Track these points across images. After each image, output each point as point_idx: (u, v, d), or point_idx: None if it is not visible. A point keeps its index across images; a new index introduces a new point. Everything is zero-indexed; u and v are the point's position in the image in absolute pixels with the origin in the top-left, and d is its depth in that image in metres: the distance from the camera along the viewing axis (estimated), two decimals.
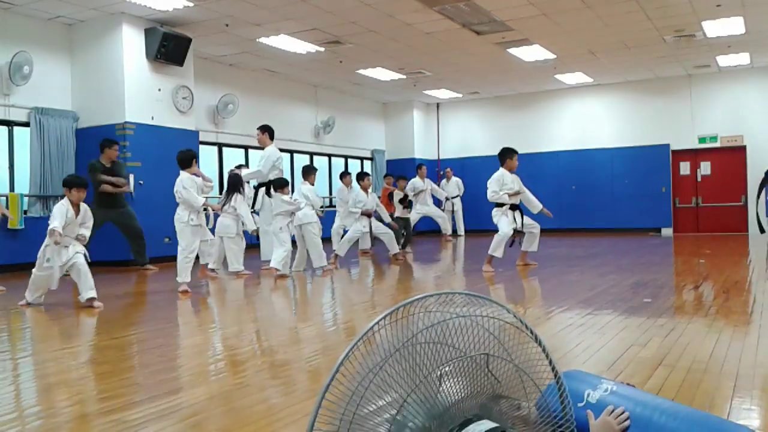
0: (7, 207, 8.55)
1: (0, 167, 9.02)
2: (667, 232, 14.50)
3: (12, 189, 9.09)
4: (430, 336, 1.64)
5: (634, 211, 14.72)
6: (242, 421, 2.48)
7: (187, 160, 6.88)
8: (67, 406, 2.76)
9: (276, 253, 7.60)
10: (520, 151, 8.34)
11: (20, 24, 9.02)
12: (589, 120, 15.36)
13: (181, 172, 6.81)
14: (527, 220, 7.92)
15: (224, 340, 4.28)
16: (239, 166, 9.64)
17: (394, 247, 9.59)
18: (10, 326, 4.91)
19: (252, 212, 8.97)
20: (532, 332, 1.83)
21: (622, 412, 1.76)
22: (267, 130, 8.79)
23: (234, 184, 7.99)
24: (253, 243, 9.48)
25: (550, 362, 1.79)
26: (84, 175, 7.06)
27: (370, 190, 9.86)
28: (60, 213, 5.46)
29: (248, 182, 9.30)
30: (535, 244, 8.03)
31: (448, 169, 15.22)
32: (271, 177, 8.66)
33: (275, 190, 7.84)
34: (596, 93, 15.29)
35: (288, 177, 13.49)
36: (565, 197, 15.15)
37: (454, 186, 14.72)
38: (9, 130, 9.10)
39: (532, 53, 11.86)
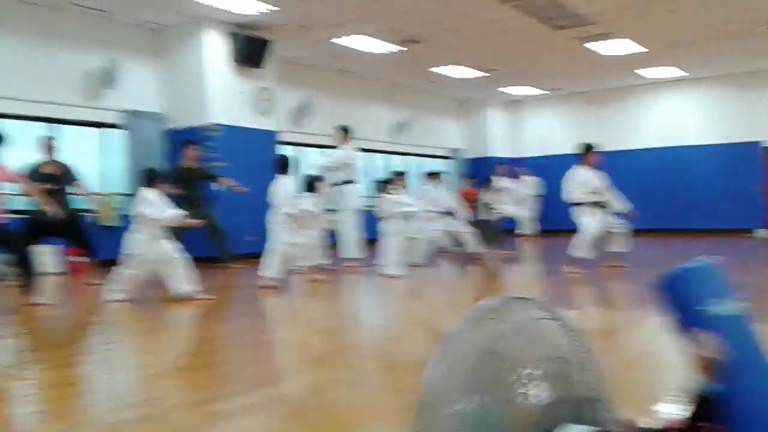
0: (100, 206, 9.00)
1: (94, 167, 9.50)
2: (762, 233, 13.76)
3: (105, 189, 9.56)
4: (509, 341, 1.63)
5: (725, 210, 14.03)
6: (332, 415, 2.53)
7: (285, 165, 7.19)
8: (165, 396, 2.89)
9: (387, 259, 7.58)
10: (605, 149, 8.09)
11: (111, 30, 9.47)
12: (676, 116, 14.78)
13: (279, 176, 7.04)
14: (612, 218, 7.66)
15: (309, 335, 4.37)
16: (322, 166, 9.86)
17: (473, 247, 9.52)
18: (110, 320, 5.17)
19: (330, 210, 9.11)
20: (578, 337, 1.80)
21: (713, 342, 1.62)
22: (344, 130, 8.91)
23: (309, 184, 8.14)
24: (333, 241, 9.62)
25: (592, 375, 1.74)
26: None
27: (447, 187, 9.84)
28: (163, 201, 5.74)
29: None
30: (622, 244, 7.77)
31: (522, 168, 14.93)
32: (345, 177, 8.77)
33: (383, 190, 7.82)
34: (684, 88, 14.68)
35: (366, 176, 13.63)
36: (652, 196, 14.59)
37: (529, 185, 14.46)
38: (103, 132, 9.59)
39: (615, 47, 11.52)
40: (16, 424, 2.57)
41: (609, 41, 11.10)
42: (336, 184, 8.82)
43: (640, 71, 13.61)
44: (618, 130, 15.33)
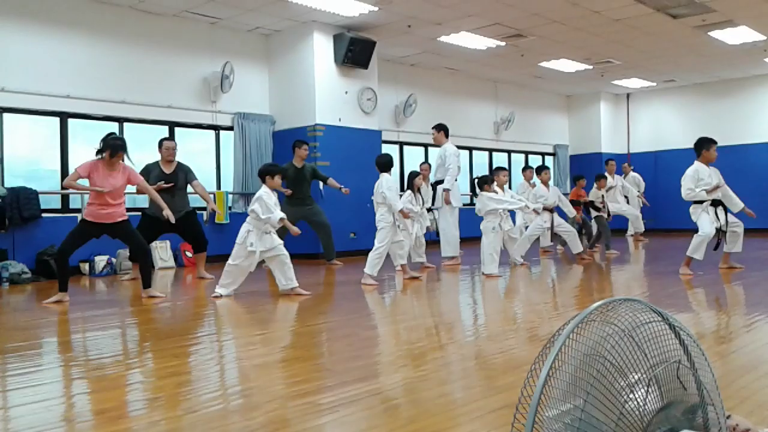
0: (216, 204, 9.45)
1: (209, 168, 10.00)
2: None
3: (219, 187, 10.03)
4: (616, 345, 1.55)
5: None
6: (427, 412, 2.51)
7: (388, 164, 7.18)
8: (265, 387, 2.97)
9: (486, 257, 7.53)
10: (723, 143, 7.59)
11: (224, 36, 9.92)
12: None
13: (382, 174, 7.07)
14: (730, 217, 7.17)
15: (407, 332, 4.37)
16: (422, 165, 9.92)
17: (577, 246, 9.21)
18: (218, 312, 5.40)
19: (431, 209, 9.11)
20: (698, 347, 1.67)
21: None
22: (443, 129, 8.88)
23: (409, 182, 8.14)
24: (433, 239, 9.62)
25: (699, 386, 1.61)
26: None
27: (551, 184, 9.58)
28: (273, 201, 5.90)
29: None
30: (739, 244, 7.25)
31: (625, 164, 14.16)
32: (439, 176, 8.73)
33: (480, 188, 7.77)
34: None
35: (466, 174, 13.53)
36: None
37: (632, 182, 13.76)
38: (216, 134, 10.06)
39: (737, 35, 10.80)
40: (129, 410, 2.73)
41: (730, 29, 10.43)
42: (437, 183, 8.80)
43: None
44: (739, 122, 14.36)
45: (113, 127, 8.70)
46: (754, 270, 7.28)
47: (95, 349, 4.02)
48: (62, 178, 8.23)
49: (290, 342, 4.16)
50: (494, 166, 11.31)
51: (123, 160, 5.87)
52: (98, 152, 5.76)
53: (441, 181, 8.74)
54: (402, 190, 8.38)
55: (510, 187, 9.55)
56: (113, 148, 5.73)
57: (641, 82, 14.89)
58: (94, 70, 8.70)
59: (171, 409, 2.64)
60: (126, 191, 6.04)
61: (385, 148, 11.14)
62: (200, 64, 9.69)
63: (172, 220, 6.24)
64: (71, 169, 7.71)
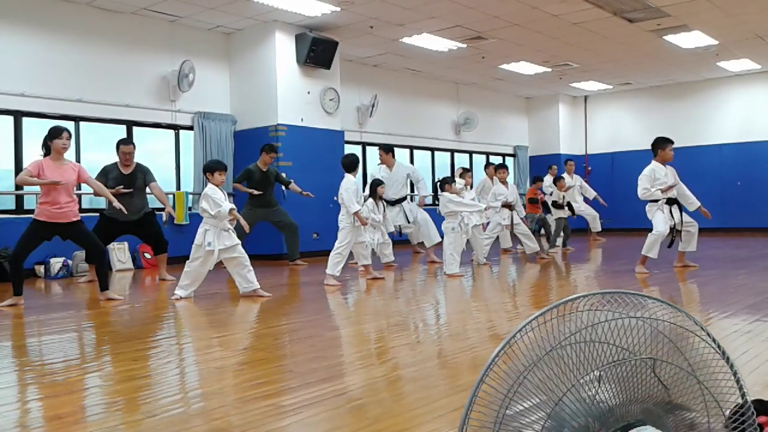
0: (173, 204, 9.32)
1: (168, 167, 9.84)
2: None
3: (178, 187, 9.89)
4: (589, 336, 1.57)
5: None
6: (391, 411, 2.52)
7: (351, 164, 7.16)
8: (226, 390, 2.94)
9: (447, 257, 7.59)
10: (677, 145, 7.77)
11: (184, 35, 9.79)
12: (756, 110, 14.10)
13: (346, 174, 7.05)
14: (685, 217, 7.35)
15: (370, 332, 4.38)
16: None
17: (531, 247, 9.36)
18: (178, 314, 5.32)
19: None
20: (714, 341, 1.68)
21: None
22: (391, 150, 9.27)
23: (372, 189, 8.16)
24: (403, 239, 9.69)
25: (738, 381, 1.62)
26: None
27: (509, 182, 9.71)
28: (220, 196, 5.77)
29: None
30: (693, 243, 7.45)
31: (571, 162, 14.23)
32: (403, 193, 9.18)
33: (442, 189, 7.82)
34: (764, 81, 13.99)
35: (429, 175, 13.61)
36: (730, 194, 14.01)
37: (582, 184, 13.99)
38: (176, 134, 9.91)
39: (691, 40, 11.09)
40: (86, 415, 2.67)
41: (684, 34, 10.71)
42: (401, 200, 9.08)
43: (722, 64, 13.04)
44: (693, 124, 14.75)
45: (69, 126, 8.49)
46: (708, 268, 7.48)
47: (51, 353, 3.92)
48: None
49: (252, 344, 4.12)
50: (456, 167, 11.40)
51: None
52: (44, 146, 5.70)
53: (404, 199, 9.11)
54: (368, 194, 8.38)
55: (471, 187, 9.66)
56: (53, 131, 5.67)
57: (598, 84, 15.17)
58: (50, 68, 8.49)
59: (130, 413, 2.60)
60: (83, 192, 5.92)
61: (348, 149, 11.12)
62: (159, 63, 9.54)
63: (125, 211, 6.21)
64: None
